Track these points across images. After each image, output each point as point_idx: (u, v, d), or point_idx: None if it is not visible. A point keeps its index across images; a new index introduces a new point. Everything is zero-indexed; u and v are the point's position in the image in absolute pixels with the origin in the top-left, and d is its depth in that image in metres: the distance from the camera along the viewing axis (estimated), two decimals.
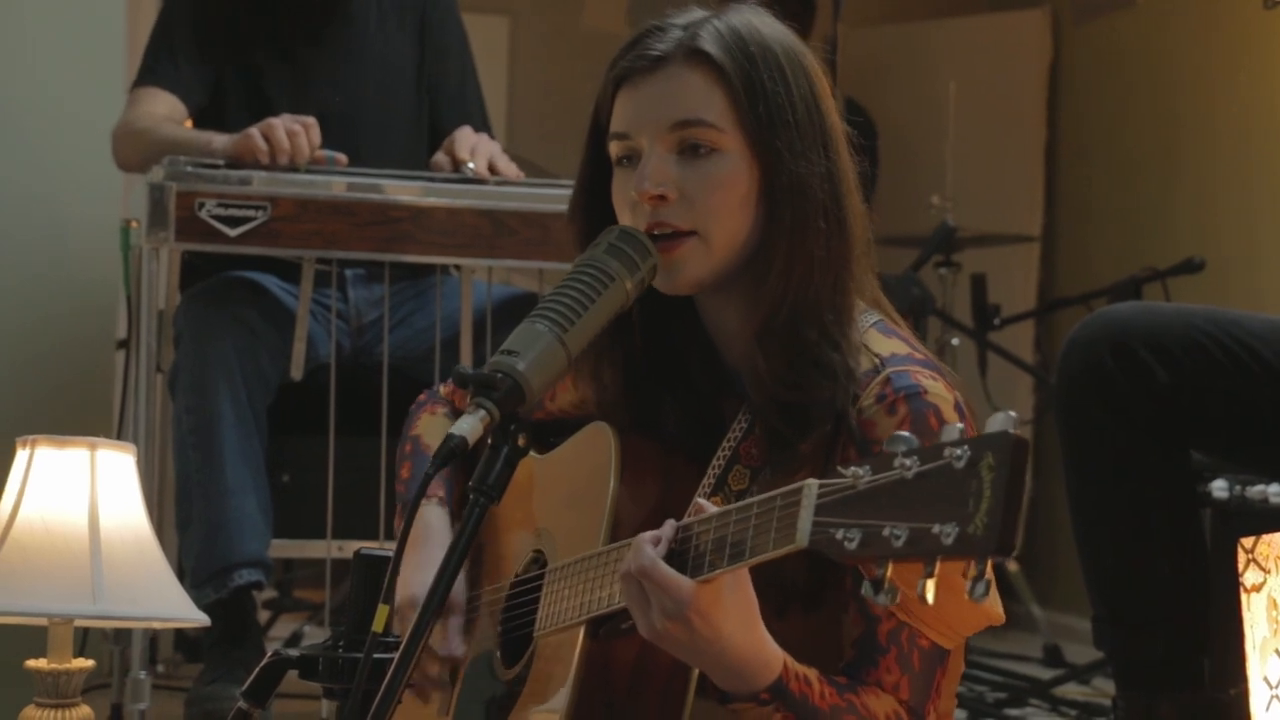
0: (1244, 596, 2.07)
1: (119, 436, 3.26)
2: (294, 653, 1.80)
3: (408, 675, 1.50)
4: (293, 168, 3.02)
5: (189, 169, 2.96)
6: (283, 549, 3.29)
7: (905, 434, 1.35)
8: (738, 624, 1.54)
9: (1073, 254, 5.67)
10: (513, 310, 3.17)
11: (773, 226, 1.71)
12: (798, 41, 1.77)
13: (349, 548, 3.07)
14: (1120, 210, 5.39)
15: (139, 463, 2.23)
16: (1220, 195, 4.89)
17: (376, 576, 1.76)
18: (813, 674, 1.60)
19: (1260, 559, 2.06)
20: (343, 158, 3.10)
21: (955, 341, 4.63)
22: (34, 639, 2.18)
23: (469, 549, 1.56)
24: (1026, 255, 5.63)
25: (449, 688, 1.91)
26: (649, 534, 1.55)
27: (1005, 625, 1.74)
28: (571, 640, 1.69)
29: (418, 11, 3.49)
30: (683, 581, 1.51)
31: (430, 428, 2.06)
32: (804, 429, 1.69)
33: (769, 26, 1.76)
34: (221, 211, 2.94)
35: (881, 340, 1.74)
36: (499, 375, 1.58)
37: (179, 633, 3.64)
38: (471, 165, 3.13)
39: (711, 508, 1.54)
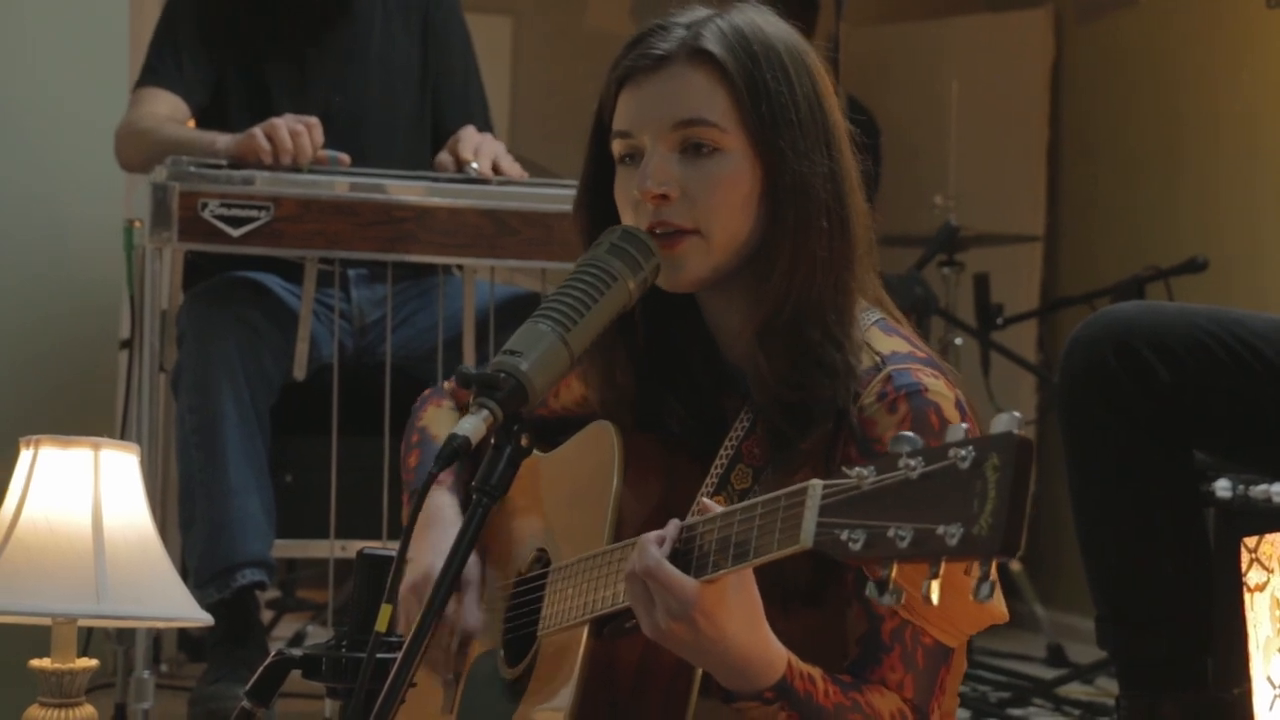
0: (1247, 596, 2.07)
1: (122, 436, 3.26)
2: (297, 652, 1.80)
3: (411, 673, 1.51)
4: (295, 168, 3.02)
5: (192, 169, 2.96)
6: (286, 549, 3.29)
7: (910, 434, 1.34)
8: (742, 624, 1.54)
9: (1076, 253, 5.67)
10: (515, 310, 3.17)
11: (775, 226, 1.71)
12: (801, 40, 1.77)
13: (352, 547, 3.07)
14: (1123, 209, 5.39)
15: (142, 463, 2.23)
16: (1223, 194, 4.89)
17: (380, 576, 1.75)
18: (817, 672, 1.60)
19: (1263, 558, 2.06)
20: (345, 158, 3.10)
21: (958, 341, 4.63)
22: (38, 639, 2.18)
23: (472, 548, 1.56)
24: (1029, 255, 5.63)
25: (454, 686, 1.91)
26: (653, 534, 1.55)
27: (1008, 625, 1.73)
28: (575, 639, 1.69)
29: (421, 11, 3.49)
30: (687, 582, 1.51)
31: (437, 418, 2.07)
32: (806, 428, 1.69)
33: (772, 25, 1.76)
34: (224, 211, 2.94)
35: (883, 338, 1.74)
36: (502, 375, 1.58)
37: (182, 632, 3.64)
38: (475, 165, 3.13)
39: (716, 507, 1.54)
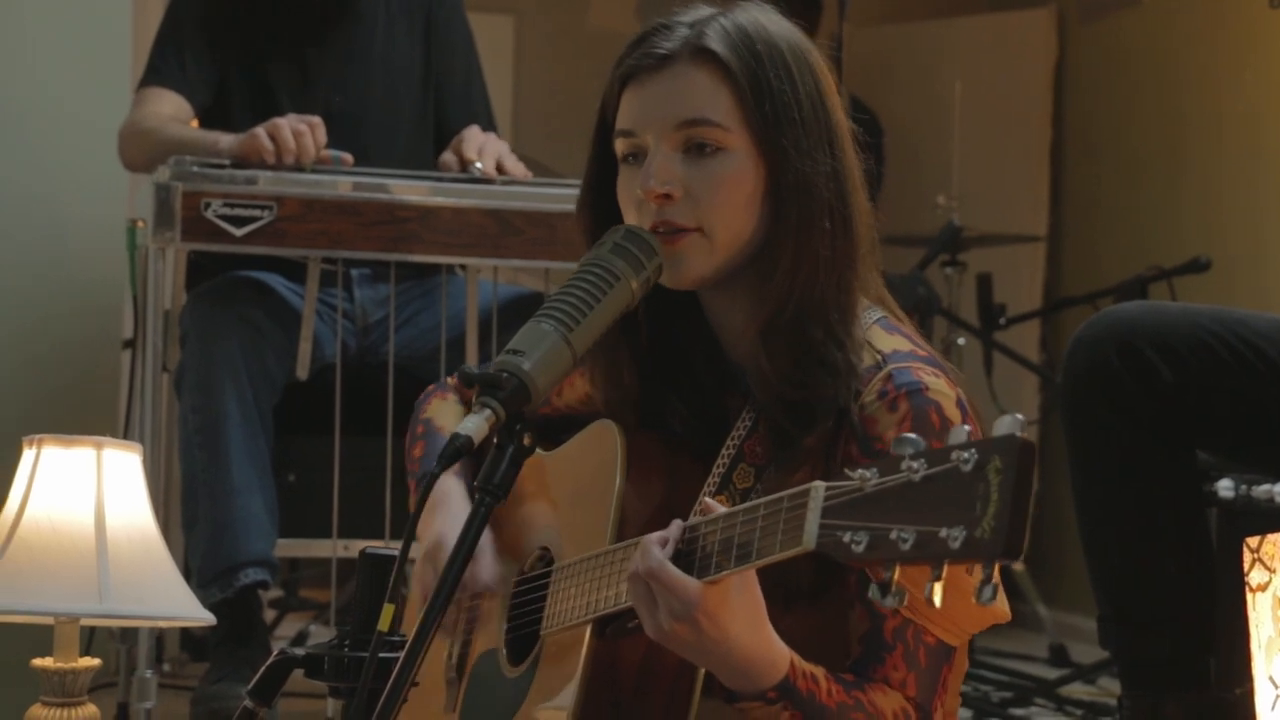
0: (1249, 596, 2.07)
1: (125, 436, 3.27)
2: (300, 651, 1.80)
3: (416, 669, 1.51)
4: (298, 167, 3.02)
5: (195, 169, 2.96)
6: (288, 548, 3.29)
7: (912, 436, 1.34)
8: (745, 624, 1.54)
9: (1078, 253, 5.67)
10: (519, 309, 3.17)
11: (778, 225, 1.71)
12: (804, 40, 1.77)
13: (354, 547, 3.07)
14: (1126, 209, 5.39)
15: (145, 462, 2.23)
16: (1226, 194, 4.89)
17: (382, 575, 1.76)
18: (819, 672, 1.60)
19: (1266, 558, 2.06)
20: (348, 157, 3.10)
21: (961, 341, 4.63)
22: (40, 638, 2.18)
23: (474, 549, 1.56)
24: (1032, 254, 5.63)
25: (457, 684, 1.91)
26: (656, 535, 1.55)
27: (1011, 624, 1.74)
28: (578, 639, 1.69)
29: (423, 11, 3.49)
30: (690, 583, 1.51)
31: (441, 410, 2.07)
32: (808, 426, 1.69)
33: (775, 25, 1.76)
34: (227, 211, 2.94)
35: (884, 337, 1.74)
36: (504, 375, 1.58)
37: (185, 632, 3.64)
38: (479, 165, 3.13)
39: (719, 508, 1.54)
